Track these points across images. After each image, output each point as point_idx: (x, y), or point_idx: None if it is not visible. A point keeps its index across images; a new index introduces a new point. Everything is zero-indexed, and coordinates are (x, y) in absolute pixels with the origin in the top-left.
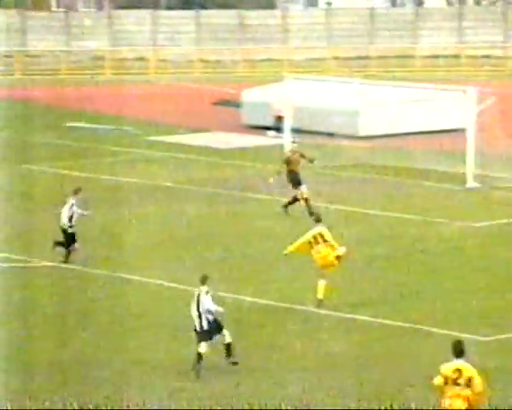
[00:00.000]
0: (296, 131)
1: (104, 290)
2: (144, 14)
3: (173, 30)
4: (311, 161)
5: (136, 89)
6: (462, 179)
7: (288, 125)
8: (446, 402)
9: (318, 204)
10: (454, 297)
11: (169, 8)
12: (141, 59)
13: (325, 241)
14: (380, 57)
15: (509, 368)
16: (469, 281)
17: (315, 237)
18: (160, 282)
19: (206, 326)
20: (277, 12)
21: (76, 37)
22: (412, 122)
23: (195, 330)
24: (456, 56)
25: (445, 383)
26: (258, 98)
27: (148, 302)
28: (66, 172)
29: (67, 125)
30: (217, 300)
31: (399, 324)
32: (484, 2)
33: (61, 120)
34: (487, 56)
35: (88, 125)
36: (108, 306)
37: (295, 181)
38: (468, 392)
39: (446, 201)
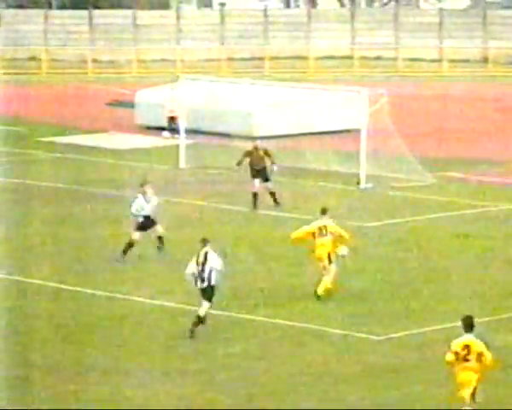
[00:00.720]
0: (191, 131)
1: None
2: (36, 13)
3: (66, 30)
4: (273, 163)
5: (28, 89)
6: (355, 180)
7: (182, 125)
8: (458, 378)
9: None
10: (347, 298)
11: (61, 7)
12: (33, 59)
13: (330, 233)
14: (274, 58)
15: (401, 366)
16: (361, 282)
17: (320, 229)
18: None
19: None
20: (171, 12)
21: None
22: (306, 123)
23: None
24: (350, 57)
25: (456, 359)
26: (151, 99)
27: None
28: None
29: None
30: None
31: (294, 324)
32: (376, 4)
33: None
34: (379, 58)
35: None
36: None
37: (263, 176)
38: (477, 367)
39: (339, 201)
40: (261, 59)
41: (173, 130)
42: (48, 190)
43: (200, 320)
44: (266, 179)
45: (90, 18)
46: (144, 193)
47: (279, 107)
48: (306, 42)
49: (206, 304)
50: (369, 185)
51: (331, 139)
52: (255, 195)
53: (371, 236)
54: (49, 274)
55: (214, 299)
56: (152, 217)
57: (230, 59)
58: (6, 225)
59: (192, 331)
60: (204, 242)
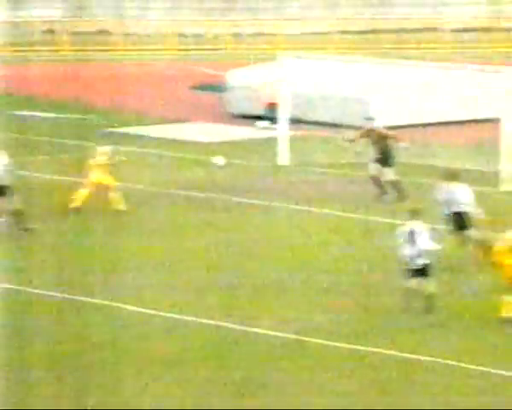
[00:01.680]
0: (294, 121)
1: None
2: None
3: None
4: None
5: (97, 69)
6: (494, 180)
7: (282, 114)
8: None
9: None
10: None
11: None
12: (103, 32)
13: None
14: (396, 31)
15: None
16: None
17: None
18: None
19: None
20: None
21: (22, 4)
22: (434, 111)
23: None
24: (487, 29)
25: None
26: (246, 81)
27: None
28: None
29: (14, 113)
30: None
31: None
32: None
33: (4, 108)
34: None
35: (40, 114)
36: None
37: (385, 160)
38: None
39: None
40: (380, 32)
41: (272, 119)
42: (142, 194)
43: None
44: (389, 165)
45: None
46: None
47: (402, 92)
48: (437, 11)
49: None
50: None
51: (464, 130)
52: (376, 179)
53: None
54: None
55: None
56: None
57: (343, 32)
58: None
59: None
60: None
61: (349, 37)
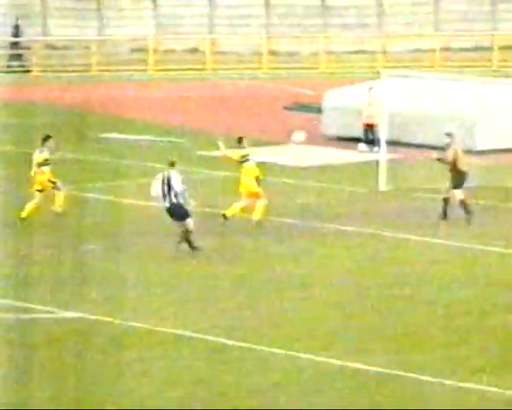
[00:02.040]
0: (395, 143)
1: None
2: None
3: (234, 14)
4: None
5: (187, 89)
6: None
7: (382, 136)
8: None
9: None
10: None
11: None
12: (194, 51)
13: None
14: (505, 48)
15: None
16: None
17: None
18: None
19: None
20: None
21: (110, 22)
22: None
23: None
24: None
25: None
26: (343, 101)
27: None
28: (99, 196)
29: (101, 136)
30: None
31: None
32: None
33: (91, 130)
34: None
35: (127, 136)
36: None
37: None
38: None
39: None
40: (487, 49)
41: (371, 141)
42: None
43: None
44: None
45: None
46: None
47: (510, 113)
48: None
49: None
50: None
51: None
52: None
53: None
54: None
55: None
56: None
57: (446, 49)
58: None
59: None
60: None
61: (454, 54)
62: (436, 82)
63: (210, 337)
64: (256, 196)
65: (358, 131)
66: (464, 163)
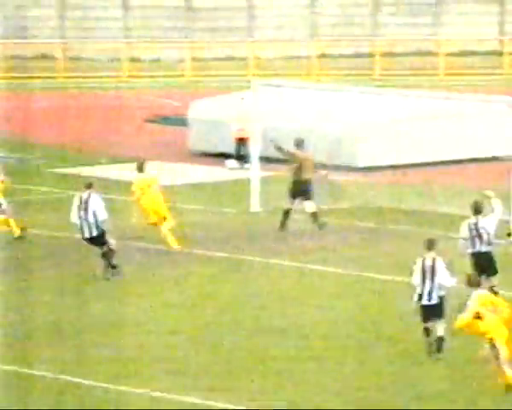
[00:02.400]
0: (269, 160)
1: None
2: None
3: (89, 16)
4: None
5: (36, 98)
6: (506, 231)
7: (254, 151)
8: None
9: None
10: None
11: None
12: (43, 57)
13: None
14: (387, 54)
15: None
16: None
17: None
18: None
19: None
20: None
21: None
22: (433, 148)
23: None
24: (498, 53)
25: None
26: (212, 113)
27: None
28: None
29: None
30: None
31: None
32: None
33: None
34: None
35: None
36: None
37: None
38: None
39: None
40: (369, 56)
41: (242, 157)
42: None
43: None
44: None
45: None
46: None
47: (394, 127)
48: (434, 31)
49: None
50: None
51: (468, 170)
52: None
53: None
54: None
55: None
56: None
57: (324, 56)
58: None
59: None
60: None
61: (332, 61)
62: (314, 92)
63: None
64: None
65: (228, 146)
66: (310, 171)
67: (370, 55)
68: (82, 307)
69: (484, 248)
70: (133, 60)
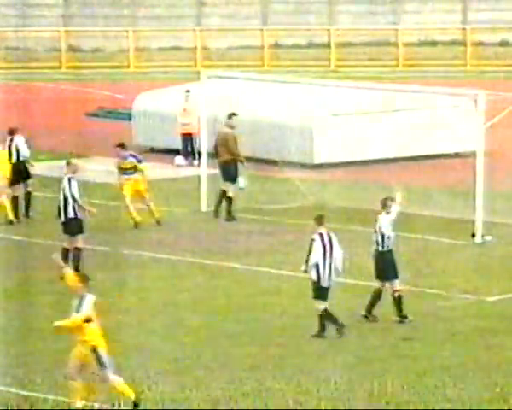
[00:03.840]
0: (214, 155)
1: None
2: None
3: (26, 2)
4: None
5: None
6: (469, 231)
7: (203, 147)
8: None
9: None
10: None
11: None
12: None
13: None
14: (342, 45)
15: None
16: None
17: None
18: None
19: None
20: None
21: None
22: (392, 144)
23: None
24: (459, 43)
25: None
26: (158, 107)
27: None
28: None
29: None
30: None
31: None
32: None
33: None
34: (507, 43)
35: None
36: None
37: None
38: None
39: (448, 261)
40: (324, 46)
41: (190, 153)
42: None
43: None
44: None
45: None
46: None
47: (351, 120)
48: (393, 20)
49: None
50: (489, 238)
51: (429, 167)
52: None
53: (495, 312)
54: None
55: None
56: None
57: (276, 46)
58: None
59: None
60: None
61: (285, 52)
62: (266, 84)
63: None
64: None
65: (176, 142)
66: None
67: (325, 46)
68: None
69: (380, 249)
70: (72, 49)
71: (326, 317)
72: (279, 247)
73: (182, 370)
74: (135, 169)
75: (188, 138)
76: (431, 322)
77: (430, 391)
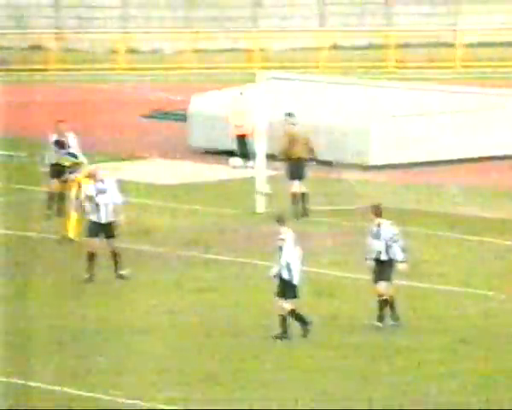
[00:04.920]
0: (274, 157)
1: None
2: None
3: (86, 3)
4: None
5: (26, 92)
6: None
7: (259, 148)
8: None
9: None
10: None
11: None
12: (36, 48)
13: None
14: (401, 46)
15: None
16: None
17: None
18: None
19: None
20: None
21: None
22: (451, 145)
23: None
24: None
25: None
26: (214, 109)
27: None
28: None
29: None
30: None
31: None
32: None
33: None
34: None
35: None
36: None
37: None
38: None
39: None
40: (382, 48)
41: (245, 155)
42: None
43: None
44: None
45: None
46: None
47: (408, 121)
48: (451, 21)
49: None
50: None
51: (487, 169)
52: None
53: None
54: None
55: None
56: None
57: (335, 47)
58: None
59: None
60: None
61: (341, 53)
62: (323, 85)
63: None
64: None
65: (231, 144)
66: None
67: (383, 47)
68: (79, 312)
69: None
70: (130, 51)
71: None
72: (336, 248)
73: None
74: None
75: (242, 140)
76: (487, 324)
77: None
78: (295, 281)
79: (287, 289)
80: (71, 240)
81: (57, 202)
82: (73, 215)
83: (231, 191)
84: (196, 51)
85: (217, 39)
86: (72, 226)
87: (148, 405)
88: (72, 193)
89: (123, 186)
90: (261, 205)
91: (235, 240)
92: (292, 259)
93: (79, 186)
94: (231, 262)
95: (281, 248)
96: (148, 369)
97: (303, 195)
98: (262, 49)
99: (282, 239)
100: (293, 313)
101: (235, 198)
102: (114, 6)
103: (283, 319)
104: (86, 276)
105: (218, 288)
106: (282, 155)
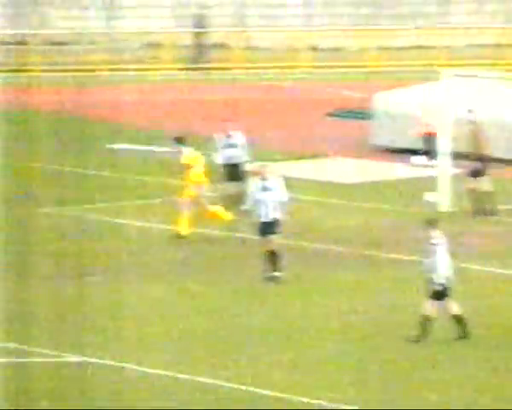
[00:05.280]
0: (460, 156)
1: None
2: None
3: (270, 2)
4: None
5: (212, 90)
6: None
7: (442, 146)
8: None
9: None
10: None
11: None
12: (220, 46)
13: None
14: None
15: None
16: None
17: None
18: None
19: None
20: None
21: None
22: None
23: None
24: None
25: None
26: (396, 106)
27: None
28: (106, 218)
29: (107, 146)
30: None
31: None
32: None
33: (96, 140)
34: None
35: (138, 147)
36: None
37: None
38: None
39: None
40: None
41: (430, 153)
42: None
43: None
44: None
45: None
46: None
47: None
48: None
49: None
50: None
51: None
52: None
53: None
54: None
55: None
56: None
57: None
58: None
59: None
60: None
61: None
62: (508, 83)
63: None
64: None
65: (413, 142)
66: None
67: None
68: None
69: None
70: (313, 49)
71: None
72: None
73: None
74: None
75: (430, 138)
76: None
77: None
78: (448, 284)
79: (440, 292)
80: (182, 237)
81: (235, 202)
82: (186, 213)
83: (411, 190)
84: (380, 49)
85: (399, 37)
86: (185, 224)
87: (329, 405)
88: (187, 192)
89: (299, 184)
90: (445, 204)
91: (415, 240)
92: (443, 263)
93: (197, 185)
94: (410, 262)
95: (432, 253)
96: (327, 369)
97: (487, 193)
98: (446, 47)
99: (433, 244)
100: (457, 317)
101: (415, 196)
102: (297, 4)
103: (425, 321)
104: (267, 275)
105: (396, 288)
106: (469, 153)
